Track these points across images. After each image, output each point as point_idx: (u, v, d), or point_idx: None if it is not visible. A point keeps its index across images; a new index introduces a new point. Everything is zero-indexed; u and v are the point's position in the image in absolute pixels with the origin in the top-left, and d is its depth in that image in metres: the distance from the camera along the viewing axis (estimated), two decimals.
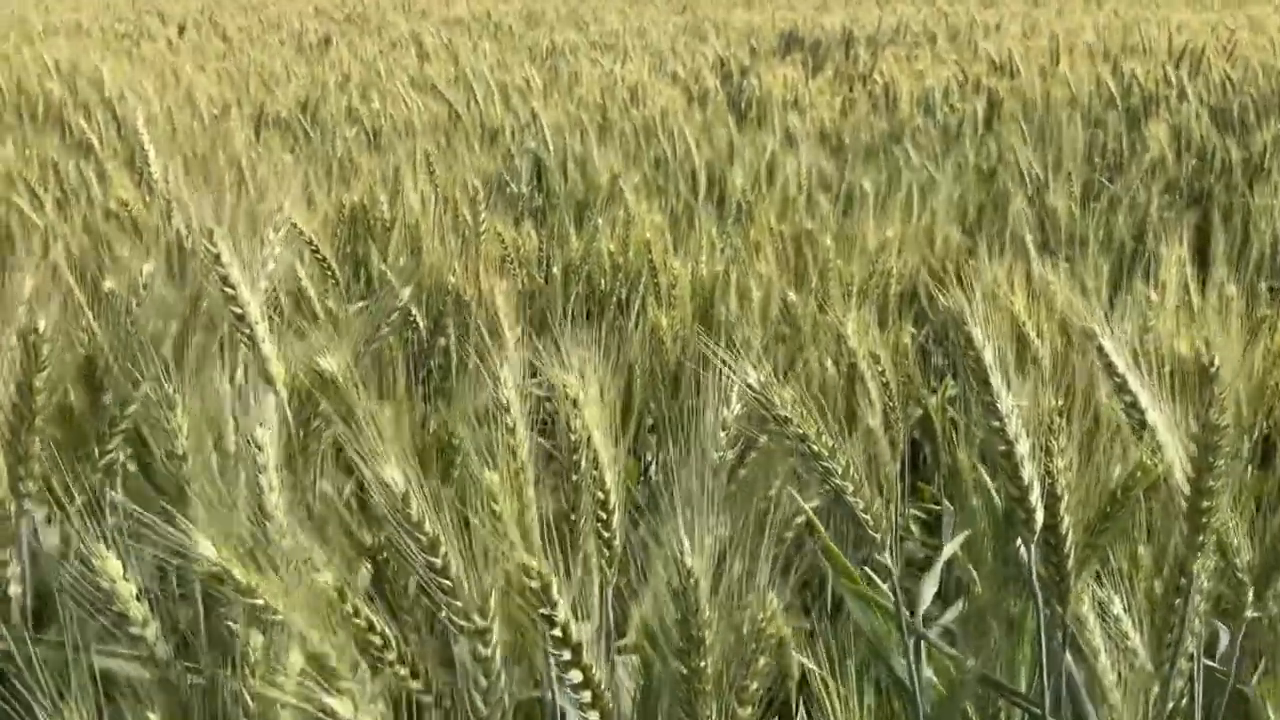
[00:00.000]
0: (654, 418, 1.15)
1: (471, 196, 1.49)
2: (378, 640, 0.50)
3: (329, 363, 0.55)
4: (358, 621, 0.49)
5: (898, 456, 0.91)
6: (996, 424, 0.50)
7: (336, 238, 1.45)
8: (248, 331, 0.53)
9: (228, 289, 0.52)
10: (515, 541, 0.44)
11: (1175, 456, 0.57)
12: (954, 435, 1.18)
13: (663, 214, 1.51)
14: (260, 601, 0.40)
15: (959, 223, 1.63)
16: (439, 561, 0.46)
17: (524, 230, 1.42)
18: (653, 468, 1.20)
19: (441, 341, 1.24)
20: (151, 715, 0.40)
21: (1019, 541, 0.65)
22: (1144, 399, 0.61)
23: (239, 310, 0.53)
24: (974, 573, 0.84)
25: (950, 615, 0.88)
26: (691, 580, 0.40)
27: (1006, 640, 0.68)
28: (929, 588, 0.72)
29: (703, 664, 0.40)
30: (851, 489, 0.51)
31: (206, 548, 0.38)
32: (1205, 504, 0.48)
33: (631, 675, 0.72)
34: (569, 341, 0.68)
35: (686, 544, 0.39)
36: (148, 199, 1.45)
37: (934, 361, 1.50)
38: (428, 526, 0.46)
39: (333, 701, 0.33)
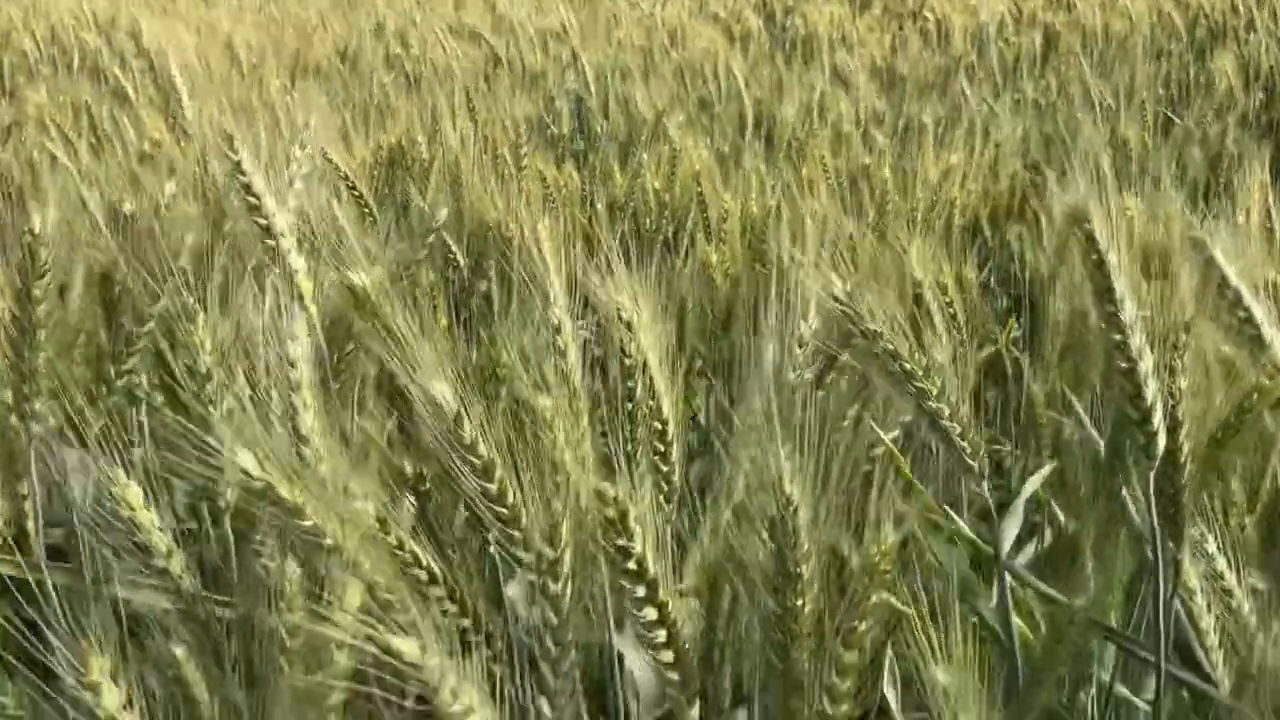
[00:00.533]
0: (704, 359, 1.10)
1: (513, 139, 1.44)
2: (424, 575, 0.45)
3: (362, 278, 0.50)
4: (402, 554, 0.45)
5: (968, 392, 0.86)
6: (1119, 337, 0.45)
7: (375, 179, 1.41)
8: (272, 245, 0.48)
9: (250, 199, 0.48)
10: (574, 469, 0.39)
11: None
12: (1023, 374, 1.12)
13: (709, 152, 1.45)
14: (309, 523, 0.35)
15: (1022, 157, 1.55)
16: (494, 488, 0.41)
17: (566, 170, 1.37)
18: (701, 414, 1.16)
19: (483, 286, 1.19)
20: (177, 649, 0.36)
21: (1120, 475, 0.60)
22: (1259, 313, 0.55)
23: (263, 221, 0.48)
24: (1057, 512, 0.79)
25: (1023, 558, 0.83)
26: (790, 508, 0.35)
27: (1099, 582, 0.63)
28: (1011, 527, 0.67)
29: (800, 602, 0.35)
30: (948, 413, 0.46)
31: (247, 459, 0.34)
32: None
33: (691, 618, 0.67)
34: (618, 264, 0.64)
35: (786, 466, 0.34)
36: (182, 143, 1.41)
37: (999, 304, 1.44)
38: (482, 450, 0.41)
39: (399, 642, 0.29)
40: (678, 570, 0.69)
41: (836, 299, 0.43)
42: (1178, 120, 1.75)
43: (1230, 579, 0.58)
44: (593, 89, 2.06)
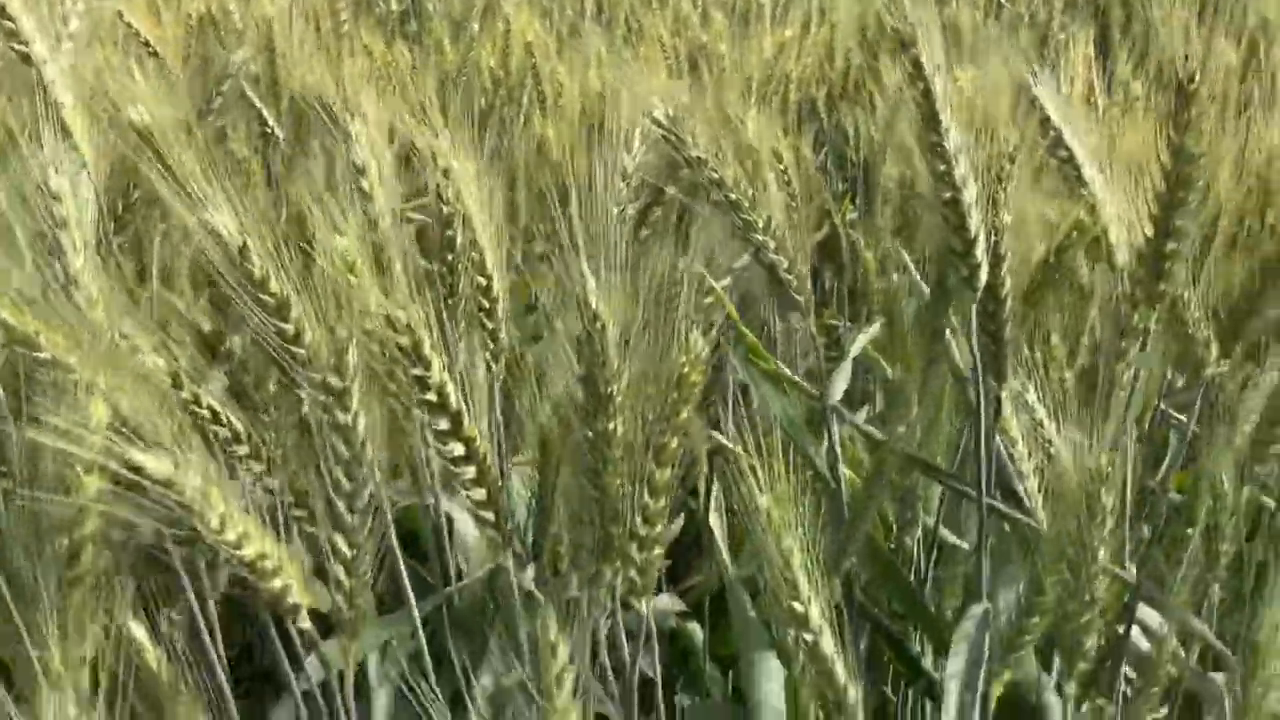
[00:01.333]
0: (542, 238, 1.08)
1: (334, 11, 1.36)
2: (225, 432, 0.42)
3: (143, 114, 0.45)
4: (198, 410, 0.42)
5: (805, 261, 0.86)
6: (943, 167, 0.44)
7: (188, 50, 1.31)
8: (35, 76, 0.43)
9: (7, 22, 0.43)
10: (379, 300, 0.36)
11: (1115, 212, 0.53)
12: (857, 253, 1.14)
13: (548, 34, 1.41)
14: (45, 355, 0.32)
15: (859, 38, 1.56)
16: (290, 328, 0.38)
17: (396, 48, 1.30)
18: (543, 296, 1.13)
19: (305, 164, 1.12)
20: None
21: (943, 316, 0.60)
22: (1080, 153, 0.56)
23: (21, 49, 0.43)
24: (885, 369, 0.80)
25: (858, 417, 0.84)
26: (598, 325, 0.33)
27: (923, 423, 0.64)
28: (840, 382, 0.67)
29: (611, 425, 0.33)
30: (774, 246, 0.44)
31: None
32: (1170, 246, 0.43)
33: (527, 485, 0.66)
34: (439, 120, 0.61)
35: (591, 282, 0.32)
36: None
37: (835, 187, 1.45)
38: (274, 285, 0.38)
39: (145, 458, 0.26)
40: (517, 438, 0.67)
41: (659, 123, 0.41)
42: (1007, 4, 1.78)
43: (1050, 429, 0.60)
44: None
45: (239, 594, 0.69)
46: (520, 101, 1.26)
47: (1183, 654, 0.52)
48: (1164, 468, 0.72)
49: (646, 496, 0.34)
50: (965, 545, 0.64)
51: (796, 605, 0.33)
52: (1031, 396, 0.59)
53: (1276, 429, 0.47)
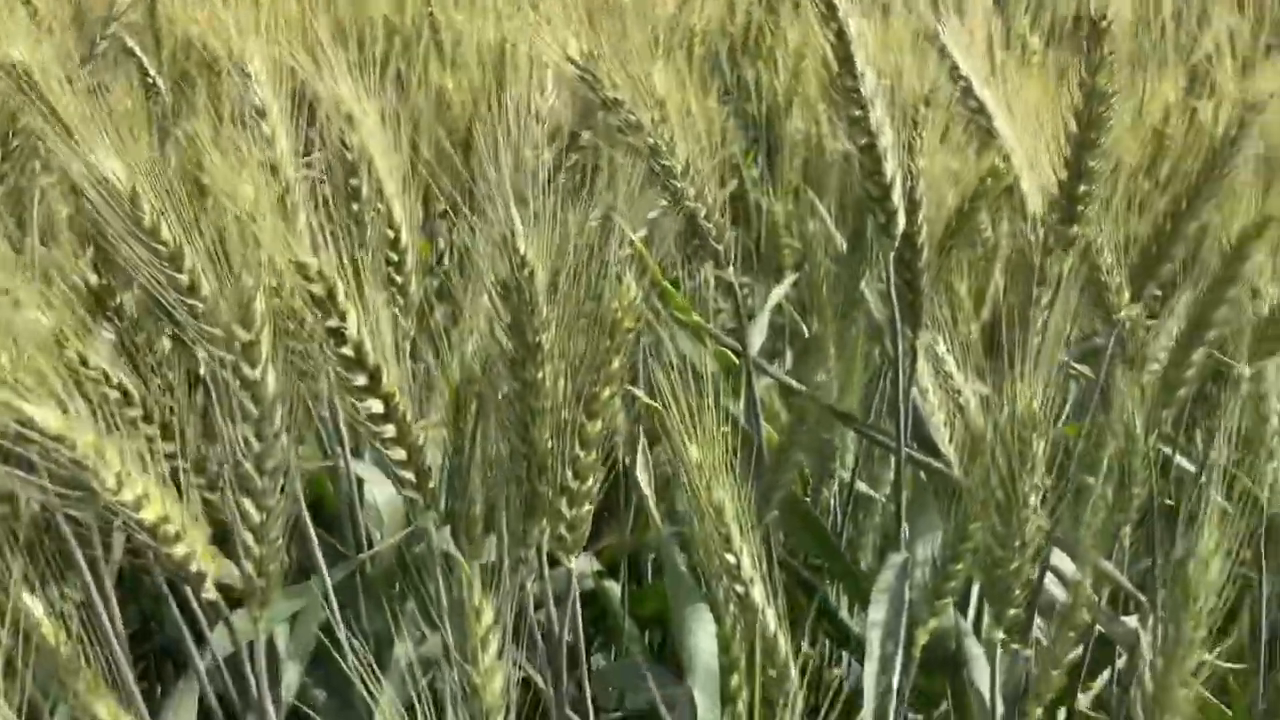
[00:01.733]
0: (444, 194, 1.05)
1: None
2: (116, 394, 0.40)
3: (23, 53, 0.42)
4: (87, 371, 0.39)
5: (724, 210, 0.85)
6: (858, 112, 0.43)
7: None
8: None
9: None
10: (285, 250, 0.34)
11: (1027, 158, 0.53)
12: (765, 204, 1.13)
13: None
14: None
15: None
16: (185, 279, 0.36)
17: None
18: (446, 256, 1.11)
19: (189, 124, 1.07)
20: None
21: (864, 269, 0.60)
22: (990, 102, 0.56)
23: None
24: (800, 323, 0.80)
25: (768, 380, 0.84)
26: (526, 271, 0.31)
27: (839, 373, 0.64)
28: (757, 335, 0.67)
29: (540, 375, 0.32)
30: (694, 193, 0.43)
31: None
32: (1083, 189, 0.43)
33: (440, 449, 0.64)
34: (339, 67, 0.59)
35: (518, 223, 0.31)
36: None
37: (739, 145, 1.45)
38: (166, 234, 0.35)
39: (35, 410, 0.24)
40: (422, 398, 0.65)
41: (573, 62, 0.39)
42: None
43: (959, 379, 0.60)
44: None
45: (136, 564, 0.66)
46: (416, 52, 1.22)
47: (1095, 598, 0.53)
48: (1062, 418, 0.73)
49: (578, 449, 0.32)
50: (881, 498, 0.64)
51: (729, 557, 0.32)
52: (941, 348, 0.60)
53: (1184, 371, 0.48)
